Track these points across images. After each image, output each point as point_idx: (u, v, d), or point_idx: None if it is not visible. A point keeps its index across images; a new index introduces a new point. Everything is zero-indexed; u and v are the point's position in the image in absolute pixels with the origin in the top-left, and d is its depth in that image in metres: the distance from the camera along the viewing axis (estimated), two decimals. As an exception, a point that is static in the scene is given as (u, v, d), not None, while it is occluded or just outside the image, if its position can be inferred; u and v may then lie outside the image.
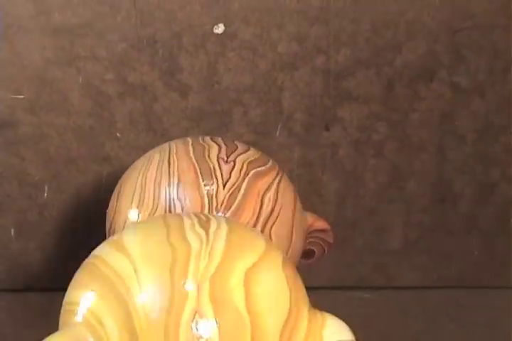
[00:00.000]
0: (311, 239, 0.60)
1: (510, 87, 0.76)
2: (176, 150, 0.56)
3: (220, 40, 0.73)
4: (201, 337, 0.40)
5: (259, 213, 0.55)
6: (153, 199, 0.54)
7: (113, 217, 0.56)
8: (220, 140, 0.58)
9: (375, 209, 0.77)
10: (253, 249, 0.43)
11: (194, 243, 0.42)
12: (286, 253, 0.56)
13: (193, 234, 0.43)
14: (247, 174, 0.55)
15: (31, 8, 0.71)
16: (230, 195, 0.54)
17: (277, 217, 0.55)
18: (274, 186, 0.56)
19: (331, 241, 0.62)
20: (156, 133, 0.74)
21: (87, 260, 0.45)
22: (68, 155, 0.74)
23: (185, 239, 0.43)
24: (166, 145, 0.58)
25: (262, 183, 0.56)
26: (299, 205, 0.58)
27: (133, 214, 0.54)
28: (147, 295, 0.41)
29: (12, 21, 0.71)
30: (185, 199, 0.53)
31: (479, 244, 0.79)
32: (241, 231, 0.45)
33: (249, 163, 0.56)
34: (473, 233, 0.79)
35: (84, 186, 0.75)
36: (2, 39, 0.71)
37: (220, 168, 0.55)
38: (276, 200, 0.56)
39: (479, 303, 0.75)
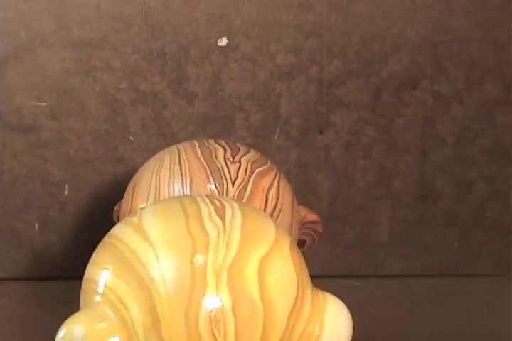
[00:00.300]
0: (303, 230, 0.61)
1: (486, 94, 0.77)
2: (185, 152, 0.57)
3: (224, 52, 0.74)
4: (218, 324, 0.40)
5: (265, 208, 0.55)
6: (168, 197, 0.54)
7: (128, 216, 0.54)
8: (223, 142, 0.59)
9: (364, 206, 0.78)
10: (265, 238, 0.43)
11: (212, 232, 0.42)
12: None
13: (211, 223, 0.43)
14: (252, 173, 0.56)
15: (53, 23, 0.72)
16: (239, 192, 0.55)
17: (280, 212, 0.56)
18: (275, 184, 0.57)
19: (321, 232, 0.62)
20: (165, 137, 0.75)
21: (106, 239, 0.45)
22: (86, 157, 0.74)
23: (203, 228, 0.42)
24: (174, 148, 0.59)
25: (265, 181, 0.56)
26: (295, 200, 0.59)
27: None
28: (169, 283, 0.41)
29: (35, 35, 0.72)
30: None
31: (458, 237, 0.80)
32: (254, 218, 0.45)
33: (253, 163, 0.57)
34: (453, 227, 0.79)
35: (101, 185, 0.75)
36: (26, 52, 0.72)
37: (227, 168, 0.55)
38: (278, 197, 0.57)
39: (458, 290, 0.75)
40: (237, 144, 0.60)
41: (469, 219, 0.80)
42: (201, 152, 0.57)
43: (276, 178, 0.58)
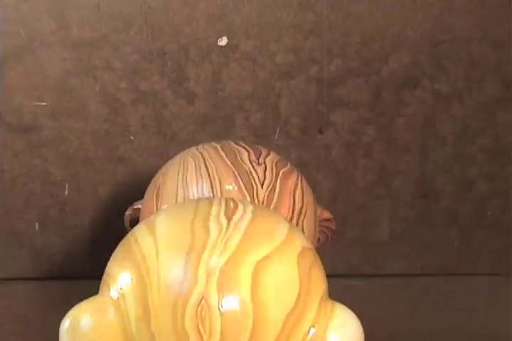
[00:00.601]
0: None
1: (486, 93, 0.77)
2: (209, 155, 0.56)
3: (224, 52, 0.74)
4: (204, 320, 0.41)
5: (293, 209, 0.55)
6: None
7: None
8: (242, 143, 0.59)
9: (364, 205, 0.79)
10: (270, 241, 0.43)
11: (213, 232, 0.43)
12: (312, 243, 0.56)
13: (216, 222, 0.43)
14: (278, 174, 0.56)
15: (52, 24, 0.72)
16: (268, 193, 0.54)
17: (306, 212, 0.56)
18: (299, 184, 0.57)
19: (334, 229, 0.62)
20: (165, 137, 0.75)
21: (126, 236, 0.46)
22: (86, 156, 0.75)
23: (206, 227, 0.43)
24: (195, 151, 0.58)
25: (291, 182, 0.56)
26: (315, 200, 0.59)
27: None
28: (163, 277, 0.42)
29: (35, 36, 0.72)
30: None
31: (458, 236, 0.80)
32: (263, 221, 0.45)
33: (277, 163, 0.57)
34: (453, 226, 0.80)
35: (101, 184, 0.75)
36: (26, 52, 0.72)
37: (254, 170, 0.55)
38: (303, 197, 0.57)
39: (458, 289, 0.76)
40: (256, 146, 0.60)
41: (470, 218, 0.80)
42: (226, 155, 0.56)
43: (299, 178, 0.58)
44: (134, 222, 0.60)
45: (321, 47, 0.75)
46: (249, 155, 0.57)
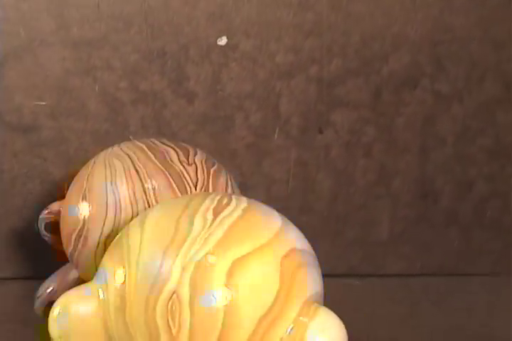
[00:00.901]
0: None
1: (486, 93, 0.77)
2: (137, 156, 0.55)
3: (223, 52, 0.74)
4: (174, 314, 0.41)
5: None
6: (131, 206, 0.53)
7: (82, 226, 0.54)
8: (167, 142, 0.57)
9: (364, 205, 0.78)
10: (254, 239, 0.43)
11: (196, 227, 0.43)
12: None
13: (202, 218, 0.43)
14: (209, 173, 0.55)
15: (52, 23, 0.71)
16: None
17: None
18: (229, 182, 0.56)
19: None
20: (165, 136, 0.70)
21: (123, 227, 0.47)
22: (86, 156, 0.71)
23: (191, 222, 0.43)
24: (119, 152, 0.56)
25: (222, 181, 0.55)
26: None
27: (111, 223, 0.53)
28: (140, 269, 0.42)
29: (35, 35, 0.71)
30: None
31: (458, 236, 0.80)
32: (252, 219, 0.44)
33: (205, 162, 0.56)
34: (453, 226, 0.79)
35: None
36: (26, 51, 0.72)
37: (186, 171, 0.54)
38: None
39: (458, 289, 0.76)
40: (182, 143, 0.58)
41: (469, 219, 0.80)
42: (154, 156, 0.55)
43: (227, 176, 0.57)
44: (51, 226, 0.60)
45: (321, 46, 0.75)
46: (178, 156, 0.55)
